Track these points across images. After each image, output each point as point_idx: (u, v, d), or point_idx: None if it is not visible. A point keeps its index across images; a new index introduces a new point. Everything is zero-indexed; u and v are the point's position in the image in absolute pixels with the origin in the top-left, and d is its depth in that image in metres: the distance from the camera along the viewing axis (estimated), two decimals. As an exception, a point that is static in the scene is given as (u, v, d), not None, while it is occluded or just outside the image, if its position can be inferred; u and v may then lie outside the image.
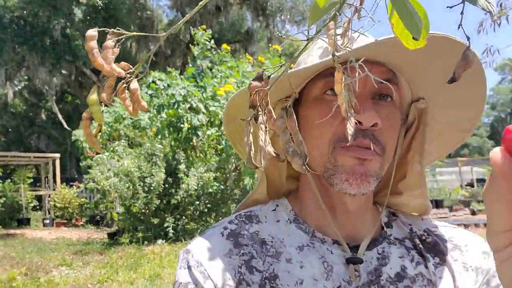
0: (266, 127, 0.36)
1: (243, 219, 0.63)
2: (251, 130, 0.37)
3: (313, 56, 0.62)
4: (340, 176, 0.55)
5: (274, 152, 0.37)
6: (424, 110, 0.63)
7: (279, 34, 0.49)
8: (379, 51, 0.54)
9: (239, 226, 0.62)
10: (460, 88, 0.59)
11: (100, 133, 0.38)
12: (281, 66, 0.36)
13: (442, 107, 0.64)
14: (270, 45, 7.38)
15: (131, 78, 0.36)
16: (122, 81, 0.36)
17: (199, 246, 0.59)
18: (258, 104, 0.36)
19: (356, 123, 0.52)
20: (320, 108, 0.58)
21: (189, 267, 0.57)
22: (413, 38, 0.31)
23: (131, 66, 0.36)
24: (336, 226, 0.60)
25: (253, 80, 0.36)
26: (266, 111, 0.36)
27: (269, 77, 0.36)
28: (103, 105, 0.37)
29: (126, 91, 0.38)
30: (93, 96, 0.36)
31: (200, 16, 14.39)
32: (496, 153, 0.29)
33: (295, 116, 0.38)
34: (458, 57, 0.54)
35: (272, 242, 0.60)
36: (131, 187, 6.32)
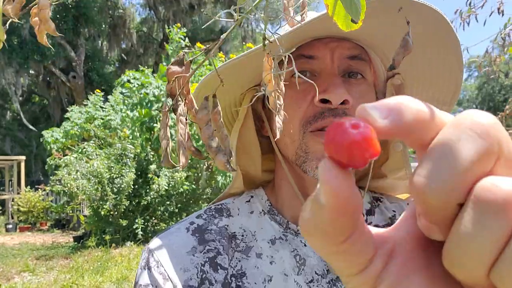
0: (186, 119, 0.32)
1: (213, 212, 0.62)
2: (168, 122, 0.33)
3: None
4: (311, 164, 0.53)
5: (194, 148, 0.33)
6: (401, 86, 0.62)
7: (233, 8, 0.42)
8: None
9: (207, 220, 0.60)
10: (436, 59, 0.58)
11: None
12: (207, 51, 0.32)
13: (419, 81, 0.62)
14: (244, 43, 7.32)
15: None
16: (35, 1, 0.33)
17: (160, 244, 0.57)
18: (178, 93, 0.32)
19: (325, 102, 0.52)
20: (287, 93, 0.56)
21: (148, 268, 0.55)
22: (352, 20, 0.30)
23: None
24: None
25: (171, 64, 0.32)
26: (187, 101, 0.33)
27: (191, 62, 0.33)
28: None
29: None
30: None
31: (173, 14, 14.28)
32: (324, 168, 0.17)
33: (219, 107, 0.34)
34: (427, 24, 0.52)
35: (243, 236, 0.59)
36: (99, 188, 6.15)
